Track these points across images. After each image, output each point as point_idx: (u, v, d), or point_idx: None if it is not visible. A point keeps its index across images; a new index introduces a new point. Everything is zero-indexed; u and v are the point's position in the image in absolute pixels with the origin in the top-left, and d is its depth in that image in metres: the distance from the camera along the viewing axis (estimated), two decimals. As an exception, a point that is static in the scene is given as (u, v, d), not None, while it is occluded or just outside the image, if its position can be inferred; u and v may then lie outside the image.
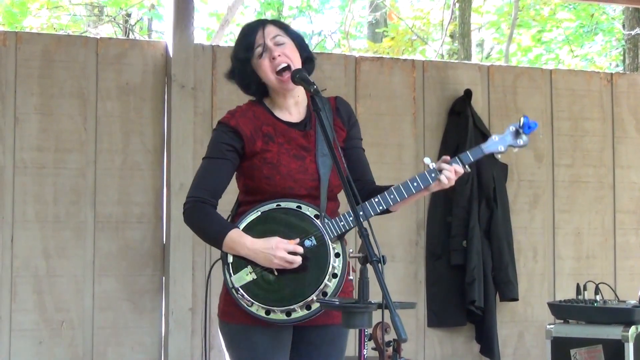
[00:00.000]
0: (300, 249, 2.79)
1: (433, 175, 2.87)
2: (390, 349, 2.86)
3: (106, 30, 11.67)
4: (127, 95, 4.84)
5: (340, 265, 2.82)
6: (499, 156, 3.01)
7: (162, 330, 4.82)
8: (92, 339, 4.70)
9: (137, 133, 4.84)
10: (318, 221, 2.83)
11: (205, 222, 2.91)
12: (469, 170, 2.92)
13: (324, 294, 2.79)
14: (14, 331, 4.59)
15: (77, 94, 4.76)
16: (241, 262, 2.85)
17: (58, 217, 4.68)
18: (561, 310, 4.80)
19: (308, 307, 2.81)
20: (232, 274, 2.86)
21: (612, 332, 4.56)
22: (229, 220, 2.97)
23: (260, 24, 2.97)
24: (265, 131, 2.93)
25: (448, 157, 2.90)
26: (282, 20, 3.17)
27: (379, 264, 2.51)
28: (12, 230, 4.62)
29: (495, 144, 2.97)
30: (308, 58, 3.01)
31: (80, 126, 4.75)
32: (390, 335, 2.78)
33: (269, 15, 13.36)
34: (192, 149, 4.80)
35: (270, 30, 2.94)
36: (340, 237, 2.85)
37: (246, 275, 2.84)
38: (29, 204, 4.65)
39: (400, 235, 5.24)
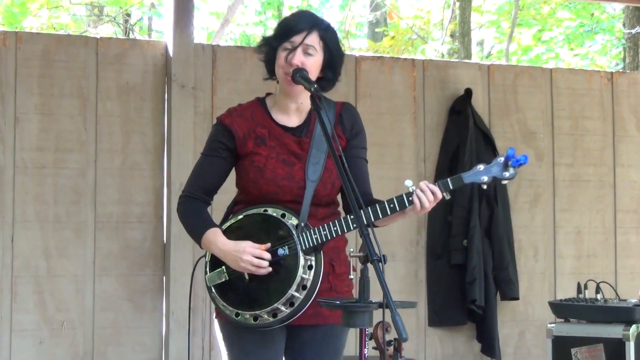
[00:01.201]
0: (267, 255, 2.80)
1: (410, 198, 2.79)
2: (391, 349, 2.86)
3: (106, 30, 11.67)
4: (127, 95, 4.84)
5: (311, 278, 2.80)
6: (484, 186, 2.81)
7: (163, 330, 4.82)
8: (93, 338, 4.70)
9: (137, 133, 4.84)
10: (295, 231, 2.82)
11: (190, 218, 2.99)
12: (448, 197, 2.81)
13: (291, 304, 2.80)
14: (15, 331, 4.59)
15: (77, 93, 4.76)
16: (217, 262, 2.90)
17: (58, 217, 4.68)
18: (562, 309, 4.80)
19: (274, 315, 2.82)
20: (207, 272, 2.92)
21: (613, 331, 4.55)
22: (224, 217, 3.02)
23: (311, 28, 2.89)
24: (258, 133, 2.93)
25: (426, 182, 2.82)
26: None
27: (380, 263, 2.51)
28: (12, 230, 4.62)
29: (478, 173, 2.79)
30: (326, 79, 2.95)
31: (80, 126, 4.75)
32: (391, 335, 2.79)
33: (270, 14, 13.36)
34: (192, 148, 4.80)
35: (312, 40, 2.88)
36: (316, 250, 2.83)
37: (219, 276, 2.89)
38: (29, 203, 4.65)
39: (400, 235, 5.24)
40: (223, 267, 2.88)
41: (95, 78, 4.79)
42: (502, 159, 2.78)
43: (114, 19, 11.88)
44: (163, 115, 4.88)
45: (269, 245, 2.82)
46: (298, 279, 2.78)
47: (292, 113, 2.98)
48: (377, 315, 2.57)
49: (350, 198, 2.68)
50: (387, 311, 2.45)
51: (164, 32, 7.48)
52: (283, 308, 2.80)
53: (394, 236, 5.20)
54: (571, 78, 5.73)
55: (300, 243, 2.80)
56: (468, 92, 5.38)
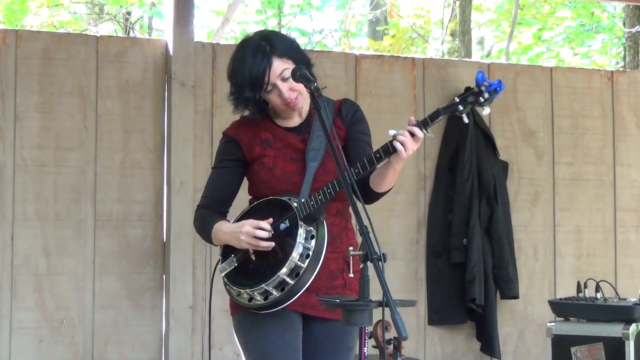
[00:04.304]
0: (267, 225, 2.85)
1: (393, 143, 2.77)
2: (391, 347, 2.86)
3: (106, 29, 11.66)
4: (127, 93, 4.84)
5: (313, 247, 2.83)
6: (464, 116, 2.74)
7: (163, 328, 4.82)
8: (93, 337, 4.70)
9: (137, 131, 4.84)
10: (295, 205, 2.87)
11: (201, 224, 3.07)
12: (430, 135, 2.77)
13: (297, 274, 2.82)
14: (15, 329, 4.59)
15: (77, 92, 4.76)
16: (227, 253, 2.98)
17: (58, 215, 4.68)
18: (562, 308, 4.80)
19: (282, 288, 2.85)
20: (220, 265, 3.00)
21: (613, 330, 4.55)
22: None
23: (266, 62, 2.90)
24: (263, 137, 3.01)
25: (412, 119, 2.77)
26: (276, 29, 3.13)
27: (380, 262, 2.52)
28: (12, 228, 4.62)
29: (454, 104, 2.74)
30: (307, 64, 3.00)
31: (80, 124, 4.75)
32: (391, 333, 2.79)
33: (270, 13, 13.33)
34: (192, 147, 4.80)
35: (277, 67, 2.90)
36: (316, 219, 2.86)
37: (229, 265, 2.96)
38: (30, 202, 4.65)
39: (400, 233, 5.24)
40: (232, 255, 2.95)
41: (95, 76, 4.79)
42: (476, 88, 2.79)
43: (114, 18, 11.87)
44: (163, 114, 4.88)
45: (271, 220, 2.87)
46: (299, 247, 2.82)
47: (294, 116, 3.06)
48: (376, 314, 2.57)
49: (338, 165, 2.68)
50: (387, 310, 2.45)
51: (164, 31, 7.47)
52: (289, 279, 2.81)
53: (394, 235, 5.21)
54: (571, 77, 5.73)
55: (298, 212, 2.85)
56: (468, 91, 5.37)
